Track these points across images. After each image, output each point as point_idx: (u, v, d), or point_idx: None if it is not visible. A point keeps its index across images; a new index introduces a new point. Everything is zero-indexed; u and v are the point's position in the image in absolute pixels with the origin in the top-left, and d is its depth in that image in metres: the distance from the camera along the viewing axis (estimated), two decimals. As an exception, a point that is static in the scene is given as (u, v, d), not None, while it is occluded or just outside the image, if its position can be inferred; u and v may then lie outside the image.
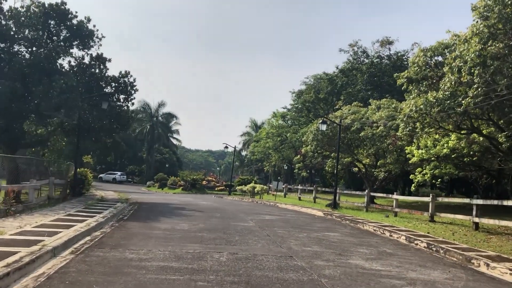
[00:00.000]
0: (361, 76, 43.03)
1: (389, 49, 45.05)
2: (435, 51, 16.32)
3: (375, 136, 26.18)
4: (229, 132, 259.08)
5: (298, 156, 33.09)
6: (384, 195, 24.36)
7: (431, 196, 18.31)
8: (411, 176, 23.15)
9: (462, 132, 17.50)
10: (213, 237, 10.24)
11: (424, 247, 11.49)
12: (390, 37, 44.33)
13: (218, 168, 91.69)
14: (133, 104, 22.86)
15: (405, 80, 17.33)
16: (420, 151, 21.96)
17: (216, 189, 57.45)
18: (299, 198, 33.07)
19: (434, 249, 11.07)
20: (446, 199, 19.84)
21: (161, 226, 11.69)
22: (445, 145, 20.78)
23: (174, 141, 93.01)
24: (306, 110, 50.02)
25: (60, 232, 8.97)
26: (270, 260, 7.87)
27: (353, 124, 27.19)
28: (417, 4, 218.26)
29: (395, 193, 21.92)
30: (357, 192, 28.02)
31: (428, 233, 14.02)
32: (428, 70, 16.19)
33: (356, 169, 31.63)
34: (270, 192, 39.98)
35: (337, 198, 25.33)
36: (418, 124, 16.68)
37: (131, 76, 21.85)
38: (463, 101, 12.96)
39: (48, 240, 7.94)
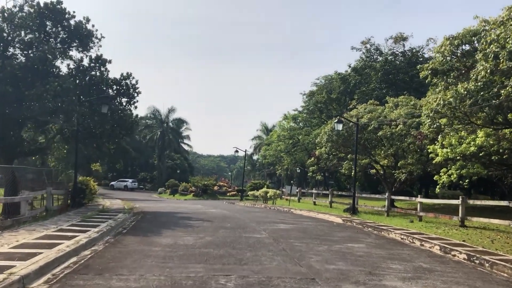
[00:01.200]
0: (375, 74, 41.35)
1: (403, 46, 43.34)
2: (463, 38, 14.72)
3: (394, 135, 24.59)
4: (241, 137, 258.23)
5: (312, 159, 31.55)
6: (407, 198, 22.71)
7: (461, 199, 16.67)
8: (435, 177, 21.47)
9: (494, 127, 15.88)
10: (221, 254, 8.82)
11: (464, 259, 9.93)
12: (404, 33, 42.57)
13: (229, 173, 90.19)
14: (136, 107, 21.63)
15: (429, 72, 15.75)
16: (444, 150, 20.30)
17: (228, 194, 56.10)
18: (314, 203, 31.52)
19: (476, 261, 9.51)
20: (478, 202, 18.03)
21: (162, 241, 10.30)
22: (472, 142, 19.14)
23: (185, 147, 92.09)
24: (318, 111, 48.43)
25: (40, 253, 7.62)
26: (288, 285, 6.43)
27: (370, 123, 25.62)
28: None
29: (419, 195, 20.27)
30: (376, 196, 26.41)
31: (463, 241, 12.43)
32: (455, 60, 14.62)
33: (374, 171, 29.98)
34: (283, 196, 38.48)
35: (355, 202, 23.75)
36: (444, 120, 15.14)
37: (133, 78, 20.62)
38: (502, 91, 11.37)
39: (20, 265, 6.59)
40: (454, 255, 10.35)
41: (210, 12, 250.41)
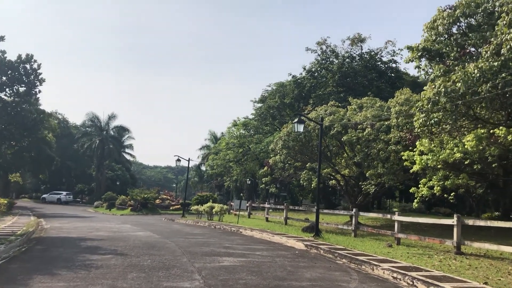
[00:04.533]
0: (332, 77, 38.22)
1: (361, 48, 40.65)
2: (466, 8, 11.20)
3: (360, 141, 21.06)
4: (189, 147, 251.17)
5: (265, 168, 27.50)
6: (380, 215, 19.13)
7: (455, 218, 13.11)
8: (412, 190, 18.03)
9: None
10: None
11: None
12: (362, 34, 39.89)
13: (174, 185, 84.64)
14: (38, 99, 16.63)
15: (419, 53, 12.11)
16: (424, 156, 16.87)
17: (171, 208, 50.78)
18: (267, 219, 27.42)
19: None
20: (481, 222, 14.39)
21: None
22: (456, 148, 15.79)
23: (128, 157, 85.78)
24: (270, 117, 44.68)
25: None
26: None
27: (333, 126, 21.98)
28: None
29: (396, 212, 16.64)
30: (341, 212, 22.73)
31: (485, 283, 8.68)
32: (455, 37, 11.08)
33: (333, 182, 26.34)
34: (231, 211, 34.11)
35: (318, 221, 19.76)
36: (435, 114, 11.58)
37: (35, 61, 15.79)
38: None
39: None
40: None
41: (153, 22, 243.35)
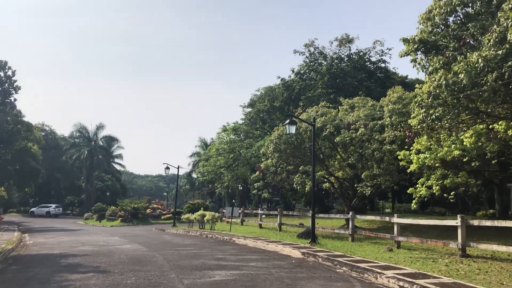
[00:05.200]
0: (321, 78, 37.65)
1: (350, 48, 40.18)
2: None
3: (354, 141, 20.39)
4: (180, 155, 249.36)
5: (257, 173, 26.70)
6: (377, 218, 18.42)
7: (459, 218, 12.42)
8: (410, 190, 17.37)
9: None
10: None
11: None
12: (350, 35, 39.44)
13: (165, 194, 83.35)
14: (14, 107, 15.72)
15: (415, 45, 11.45)
16: (422, 155, 16.24)
17: (162, 217, 49.72)
18: (260, 225, 26.59)
19: None
20: (487, 222, 13.69)
21: None
22: (453, 146, 15.16)
23: (118, 167, 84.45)
24: (260, 122, 43.94)
25: None
26: None
27: (325, 127, 21.29)
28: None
29: (395, 215, 15.95)
30: (336, 215, 21.99)
31: (501, 290, 7.98)
32: (452, 27, 10.45)
33: (327, 184, 25.63)
34: (224, 219, 33.21)
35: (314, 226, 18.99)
36: (435, 109, 10.88)
37: (9, 68, 14.95)
38: None
39: None
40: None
41: (141, 28, 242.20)
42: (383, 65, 39.96)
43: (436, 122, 11.01)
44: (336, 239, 18.91)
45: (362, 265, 10.94)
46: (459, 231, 12.36)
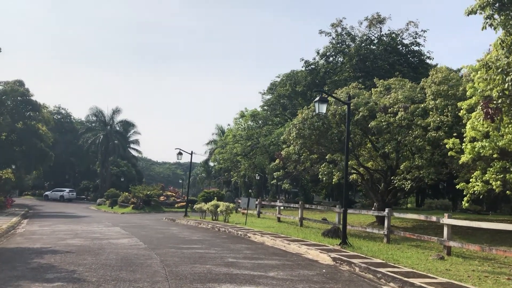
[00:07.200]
0: (349, 61, 34.61)
1: (380, 30, 36.99)
2: None
3: (392, 126, 17.57)
4: (198, 143, 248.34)
5: (277, 161, 24.09)
6: (422, 217, 15.62)
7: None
8: (460, 185, 14.54)
9: None
10: None
11: None
12: (381, 15, 36.21)
13: (180, 181, 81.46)
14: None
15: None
16: (478, 143, 13.38)
17: (176, 205, 47.77)
18: (279, 219, 24.09)
19: None
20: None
21: None
22: (518, 132, 12.28)
23: (134, 152, 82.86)
24: (281, 108, 41.20)
25: None
26: None
27: (357, 110, 18.52)
28: None
29: (445, 214, 13.17)
30: (366, 211, 19.18)
31: None
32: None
33: (355, 176, 22.77)
34: (239, 209, 30.82)
35: (339, 222, 16.35)
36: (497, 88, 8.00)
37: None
38: None
39: None
40: None
41: (161, 17, 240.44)
42: (416, 48, 36.67)
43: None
44: (367, 239, 16.29)
45: (416, 281, 8.30)
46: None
